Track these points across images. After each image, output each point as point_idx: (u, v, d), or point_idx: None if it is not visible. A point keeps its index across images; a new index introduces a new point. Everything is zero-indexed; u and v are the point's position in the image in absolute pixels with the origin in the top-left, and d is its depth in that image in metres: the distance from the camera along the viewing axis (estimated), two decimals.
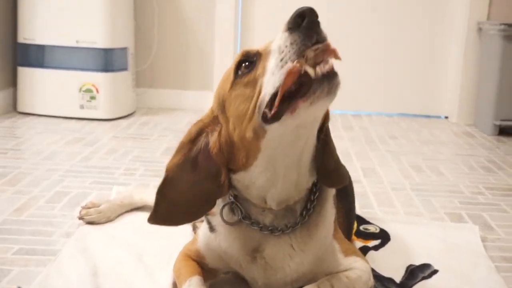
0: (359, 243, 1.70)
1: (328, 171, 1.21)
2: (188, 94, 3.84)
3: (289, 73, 1.00)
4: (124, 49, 3.44)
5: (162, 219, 1.22)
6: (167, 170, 1.21)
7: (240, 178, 1.19)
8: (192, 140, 1.20)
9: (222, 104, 1.17)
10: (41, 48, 3.33)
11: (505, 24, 3.28)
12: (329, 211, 1.28)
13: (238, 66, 1.13)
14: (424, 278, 1.51)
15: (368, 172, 2.52)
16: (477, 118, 3.64)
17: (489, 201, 2.19)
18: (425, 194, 2.24)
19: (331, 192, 1.29)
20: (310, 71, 1.02)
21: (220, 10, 3.74)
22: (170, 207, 1.21)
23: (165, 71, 3.83)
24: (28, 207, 1.92)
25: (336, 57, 1.06)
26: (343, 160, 1.44)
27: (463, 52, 3.71)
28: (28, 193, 2.05)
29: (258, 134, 1.09)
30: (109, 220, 1.81)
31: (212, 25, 3.77)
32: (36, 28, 3.31)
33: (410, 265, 1.57)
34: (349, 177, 1.57)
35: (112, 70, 3.36)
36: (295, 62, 1.01)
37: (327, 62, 1.04)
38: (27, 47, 3.35)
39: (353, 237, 1.73)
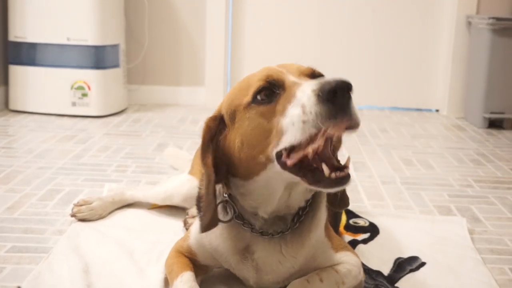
0: (348, 237, 1.72)
1: (335, 196, 1.28)
2: (180, 90, 3.85)
3: (311, 147, 1.04)
4: (115, 46, 3.44)
5: (212, 222, 1.22)
6: (209, 173, 1.19)
7: (238, 185, 1.22)
8: (213, 137, 1.22)
9: (233, 113, 1.18)
10: (32, 46, 3.33)
11: (494, 18, 3.30)
12: (322, 215, 1.31)
13: (259, 90, 1.14)
14: (411, 270, 1.53)
15: (358, 166, 2.54)
16: (467, 111, 3.67)
17: (477, 194, 2.21)
18: (415, 188, 2.27)
19: (324, 196, 1.31)
20: (326, 170, 1.06)
21: (211, 6, 3.75)
22: (214, 207, 1.21)
23: (157, 67, 3.84)
24: (21, 205, 1.93)
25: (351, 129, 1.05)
26: None
27: (452, 45, 3.73)
28: (21, 191, 2.06)
29: (268, 163, 1.13)
30: (101, 217, 1.82)
31: (203, 21, 3.78)
32: (27, 26, 3.31)
33: (398, 258, 1.59)
34: None
35: (104, 67, 3.36)
36: (317, 142, 1.03)
37: (345, 167, 1.08)
38: (18, 45, 3.35)
39: (343, 231, 1.76)
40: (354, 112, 1.02)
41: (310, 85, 1.05)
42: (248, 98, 1.14)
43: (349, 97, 1.02)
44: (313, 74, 1.20)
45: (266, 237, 1.25)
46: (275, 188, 1.19)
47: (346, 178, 1.07)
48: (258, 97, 1.13)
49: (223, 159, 1.20)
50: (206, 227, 1.21)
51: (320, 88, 1.01)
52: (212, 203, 1.19)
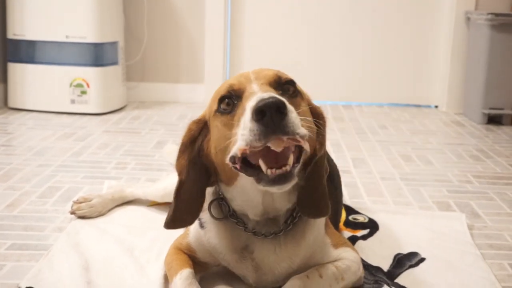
0: (347, 233, 1.72)
1: (309, 202, 1.21)
2: (179, 87, 3.85)
3: (248, 152, 1.07)
4: (114, 43, 3.44)
5: (178, 222, 1.26)
6: (180, 173, 1.24)
7: (224, 190, 1.26)
8: (194, 140, 1.25)
9: (209, 119, 1.23)
10: (31, 43, 3.33)
11: (492, 14, 3.30)
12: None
13: (220, 100, 1.17)
14: (411, 266, 1.53)
15: (357, 163, 2.54)
16: (466, 107, 3.67)
17: (476, 190, 2.22)
18: (414, 184, 2.27)
19: None
20: (263, 167, 1.07)
21: (210, 3, 3.75)
22: (182, 208, 1.25)
23: (156, 64, 3.83)
24: (20, 203, 1.93)
25: (298, 144, 1.07)
26: (333, 151, 1.46)
27: (451, 41, 3.73)
28: (20, 189, 2.06)
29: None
30: (101, 215, 1.82)
31: (202, 17, 3.78)
32: (26, 24, 3.30)
33: (398, 254, 1.60)
34: (337, 170, 1.59)
35: (103, 65, 3.36)
36: (257, 145, 1.04)
37: (283, 165, 1.07)
38: (17, 43, 3.35)
39: (342, 227, 1.76)
40: (289, 126, 1.03)
41: (252, 100, 1.06)
42: (215, 106, 1.18)
43: (281, 115, 1.02)
44: (279, 81, 1.18)
45: (259, 237, 1.26)
46: (253, 192, 1.20)
47: (285, 177, 1.07)
48: (221, 107, 1.16)
49: (211, 163, 1.23)
50: (167, 225, 1.26)
51: (253, 107, 1.03)
52: (176, 202, 1.24)
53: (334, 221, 1.48)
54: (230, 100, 1.15)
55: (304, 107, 1.17)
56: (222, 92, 1.17)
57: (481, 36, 3.43)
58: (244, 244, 1.28)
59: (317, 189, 1.21)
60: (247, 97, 1.12)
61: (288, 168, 1.07)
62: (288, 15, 3.86)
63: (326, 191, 1.23)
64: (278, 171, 1.07)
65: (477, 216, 1.94)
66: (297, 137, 1.05)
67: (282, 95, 1.13)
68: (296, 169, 1.10)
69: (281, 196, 1.22)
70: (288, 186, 1.09)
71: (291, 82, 1.19)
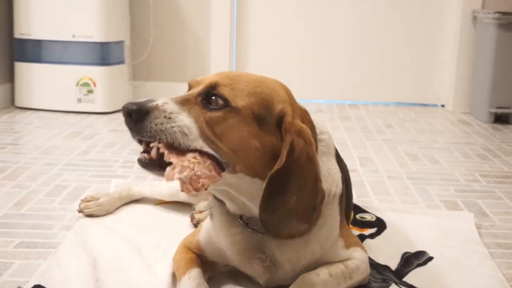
0: (355, 232, 1.72)
1: (270, 220, 1.15)
2: (185, 86, 3.84)
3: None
4: (120, 43, 3.45)
5: None
6: None
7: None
8: None
9: None
10: (37, 43, 3.33)
11: (499, 13, 3.29)
12: (330, 217, 1.29)
13: None
14: (419, 265, 1.53)
15: (364, 162, 2.54)
16: (472, 106, 3.66)
17: (484, 189, 2.21)
18: (421, 183, 2.26)
19: (331, 199, 1.29)
20: (139, 155, 1.12)
21: (216, 2, 3.75)
22: None
23: (162, 63, 3.84)
24: (28, 201, 1.94)
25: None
26: (340, 150, 1.46)
27: (458, 40, 3.72)
28: (27, 187, 2.07)
29: None
30: (108, 213, 1.83)
31: (208, 16, 3.78)
32: (32, 23, 3.31)
33: (406, 253, 1.59)
34: (346, 170, 1.59)
35: (109, 64, 3.37)
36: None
37: (146, 152, 1.12)
38: (23, 42, 3.36)
39: (350, 226, 1.75)
40: (143, 131, 1.08)
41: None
42: None
43: (130, 119, 1.09)
44: (209, 91, 1.15)
45: (264, 236, 1.25)
46: (228, 195, 1.21)
47: (144, 162, 1.09)
48: None
49: None
50: None
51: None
52: None
53: (346, 220, 1.48)
54: None
55: (230, 122, 1.11)
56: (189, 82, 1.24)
57: (487, 35, 3.41)
58: (250, 243, 1.28)
59: (275, 208, 1.14)
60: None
61: (144, 155, 1.10)
62: (294, 14, 3.86)
63: (288, 214, 1.14)
64: (141, 155, 1.10)
65: (484, 215, 1.93)
66: (155, 141, 1.08)
67: (204, 104, 1.13)
68: (177, 171, 1.07)
69: (248, 199, 1.20)
70: (149, 173, 1.11)
71: (220, 97, 1.12)
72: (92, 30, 3.30)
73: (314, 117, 1.36)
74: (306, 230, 1.19)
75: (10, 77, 3.47)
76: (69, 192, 2.03)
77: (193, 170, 1.06)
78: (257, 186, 1.16)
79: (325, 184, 1.26)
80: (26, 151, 2.54)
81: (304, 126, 1.17)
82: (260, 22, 3.88)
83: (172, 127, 1.08)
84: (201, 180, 1.07)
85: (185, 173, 1.06)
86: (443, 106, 3.92)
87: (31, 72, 3.37)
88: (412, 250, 1.61)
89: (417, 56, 3.90)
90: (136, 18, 3.74)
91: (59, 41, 3.31)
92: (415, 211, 1.93)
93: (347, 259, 1.35)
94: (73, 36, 3.30)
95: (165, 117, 1.07)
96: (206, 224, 1.37)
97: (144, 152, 1.11)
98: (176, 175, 1.05)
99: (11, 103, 3.47)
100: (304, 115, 1.25)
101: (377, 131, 3.17)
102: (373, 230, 1.74)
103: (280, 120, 1.15)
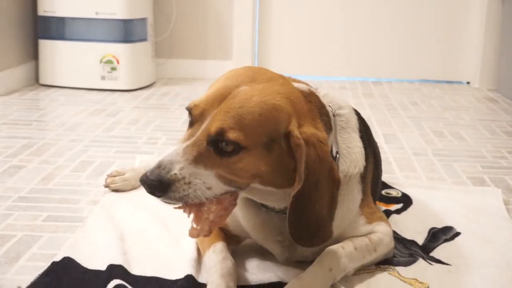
0: (381, 207, 1.70)
1: (298, 233, 1.17)
2: (208, 63, 3.84)
3: None
4: (143, 20, 3.44)
5: None
6: None
7: None
8: None
9: None
10: (61, 20, 3.34)
11: None
12: (346, 197, 1.29)
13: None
14: (446, 240, 1.52)
15: (389, 138, 2.51)
16: (499, 83, 3.59)
17: (511, 165, 2.18)
18: (447, 159, 2.24)
19: (347, 179, 1.28)
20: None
21: None
22: None
23: (184, 41, 3.83)
24: (54, 176, 1.96)
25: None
26: None
27: (485, 15, 3.64)
28: (54, 163, 2.09)
29: None
30: (134, 188, 1.84)
31: None
32: (55, 1, 3.32)
33: (433, 228, 1.58)
34: (376, 147, 1.57)
35: (132, 41, 3.37)
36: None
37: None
38: (47, 19, 3.37)
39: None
40: (170, 198, 1.11)
41: (160, 159, 1.13)
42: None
43: (154, 194, 1.11)
44: (219, 138, 1.12)
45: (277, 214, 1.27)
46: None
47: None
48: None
49: None
50: None
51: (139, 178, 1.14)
52: None
53: (373, 197, 1.47)
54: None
55: (245, 160, 1.11)
56: (188, 107, 1.19)
57: None
58: (268, 224, 1.29)
59: (302, 222, 1.16)
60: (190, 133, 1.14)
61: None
62: None
63: (316, 225, 1.16)
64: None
65: None
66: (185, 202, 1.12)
67: (216, 151, 1.11)
68: (199, 230, 1.16)
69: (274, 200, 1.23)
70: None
71: (231, 143, 1.09)
72: (115, 7, 3.29)
73: (332, 93, 1.34)
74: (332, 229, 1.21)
75: (34, 55, 3.49)
76: (95, 168, 2.05)
77: (210, 218, 1.15)
78: (270, 191, 1.19)
79: (343, 165, 1.27)
80: (52, 127, 2.57)
81: (309, 130, 1.14)
82: None
83: (195, 190, 1.10)
84: (216, 225, 1.18)
85: (205, 228, 1.16)
86: (468, 83, 3.85)
87: (55, 50, 3.38)
88: (439, 226, 1.60)
89: (442, 32, 3.83)
90: None
91: (83, 18, 3.32)
92: (441, 187, 1.91)
93: (371, 233, 1.36)
94: (96, 13, 3.30)
95: (185, 183, 1.09)
96: None
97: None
98: (201, 233, 1.16)
99: (36, 81, 3.50)
100: (310, 98, 1.22)
101: (402, 108, 3.13)
102: (399, 206, 1.73)
103: (287, 135, 1.13)
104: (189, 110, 1.16)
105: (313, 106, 1.21)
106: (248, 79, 1.16)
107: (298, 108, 1.16)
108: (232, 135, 1.08)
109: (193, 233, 1.17)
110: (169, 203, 1.13)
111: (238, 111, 1.10)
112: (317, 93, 1.27)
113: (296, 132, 1.12)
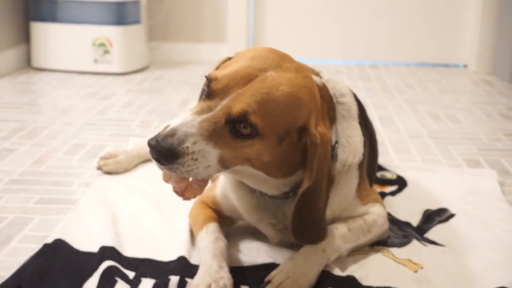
0: (376, 189, 1.69)
1: (301, 229, 1.18)
2: (202, 47, 3.81)
3: None
4: (136, 2, 3.40)
5: None
6: None
7: None
8: None
9: None
10: (53, 2, 3.30)
11: None
12: (343, 186, 1.28)
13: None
14: (440, 221, 1.51)
15: (385, 121, 2.50)
16: (496, 66, 3.58)
17: (507, 147, 2.17)
18: (443, 142, 2.23)
19: (346, 169, 1.27)
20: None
21: None
22: None
23: (179, 24, 3.79)
24: (47, 159, 1.94)
25: None
26: None
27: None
28: (46, 146, 2.07)
29: None
30: (127, 170, 1.83)
31: None
32: None
33: (427, 210, 1.57)
34: (373, 131, 1.55)
35: (125, 23, 3.33)
36: None
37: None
38: (39, 1, 3.32)
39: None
40: (174, 168, 1.08)
41: (177, 120, 1.12)
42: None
43: (161, 160, 1.07)
44: (243, 119, 1.10)
45: (273, 199, 1.25)
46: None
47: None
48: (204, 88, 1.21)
49: None
50: None
51: (148, 141, 1.10)
52: None
53: (369, 180, 1.46)
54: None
55: (255, 147, 1.10)
56: (208, 77, 1.13)
57: None
58: (261, 207, 1.28)
59: (308, 219, 1.17)
60: (211, 104, 1.10)
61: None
62: None
63: (319, 221, 1.18)
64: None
65: (507, 173, 1.89)
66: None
67: (231, 131, 1.08)
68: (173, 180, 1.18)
69: (270, 186, 1.22)
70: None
71: (251, 125, 1.07)
72: None
73: (335, 78, 1.33)
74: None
75: (26, 38, 3.45)
76: (88, 151, 2.03)
77: (189, 181, 1.16)
78: (263, 178, 1.17)
79: (342, 154, 1.26)
80: (44, 111, 2.54)
81: (322, 129, 1.13)
82: None
83: (198, 167, 1.08)
84: (193, 192, 1.18)
85: (180, 184, 1.15)
86: (465, 66, 3.84)
87: (47, 32, 3.34)
88: (434, 207, 1.59)
89: (439, 15, 3.80)
90: None
91: (75, 0, 3.28)
92: (436, 169, 1.90)
93: (365, 214, 1.36)
94: None
95: (192, 159, 1.06)
96: (223, 179, 1.36)
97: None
98: (173, 184, 1.16)
99: (28, 64, 3.46)
100: (322, 93, 1.20)
101: (397, 91, 3.11)
102: (393, 188, 1.72)
103: (301, 130, 1.12)
104: (209, 81, 1.12)
105: (324, 102, 1.20)
106: (275, 64, 1.13)
107: (318, 105, 1.16)
108: (255, 119, 1.06)
109: (165, 177, 1.18)
110: (163, 169, 1.10)
111: (264, 97, 1.08)
112: (327, 85, 1.25)
113: (313, 129, 1.12)
